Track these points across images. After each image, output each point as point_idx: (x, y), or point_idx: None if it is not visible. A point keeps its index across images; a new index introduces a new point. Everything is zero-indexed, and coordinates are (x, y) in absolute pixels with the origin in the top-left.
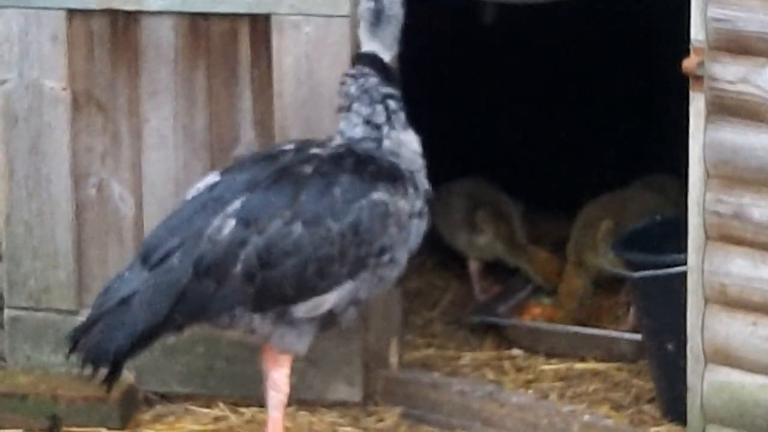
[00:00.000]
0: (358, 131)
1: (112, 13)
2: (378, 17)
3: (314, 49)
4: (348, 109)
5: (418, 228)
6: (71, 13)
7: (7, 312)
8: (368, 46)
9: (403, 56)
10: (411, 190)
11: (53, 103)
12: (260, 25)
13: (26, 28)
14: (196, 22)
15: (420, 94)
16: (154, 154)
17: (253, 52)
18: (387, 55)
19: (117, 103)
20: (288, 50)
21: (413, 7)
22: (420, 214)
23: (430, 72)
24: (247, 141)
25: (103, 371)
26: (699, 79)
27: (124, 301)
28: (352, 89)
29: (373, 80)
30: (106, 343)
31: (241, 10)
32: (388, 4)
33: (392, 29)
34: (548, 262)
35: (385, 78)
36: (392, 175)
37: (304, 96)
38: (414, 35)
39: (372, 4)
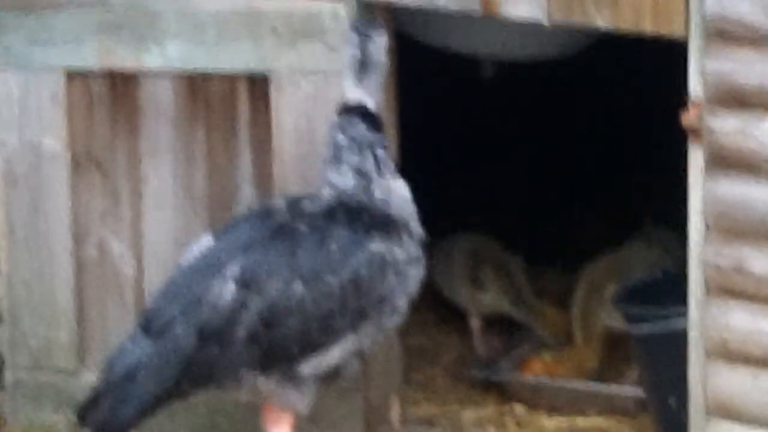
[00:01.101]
0: (349, 181)
1: (112, 74)
2: (363, 65)
3: (313, 106)
4: (338, 159)
5: (416, 274)
6: (71, 73)
7: (8, 373)
8: (353, 93)
9: (404, 111)
10: (405, 237)
11: (53, 162)
12: (259, 83)
13: (26, 89)
14: (194, 81)
15: (420, 149)
16: (154, 214)
17: (252, 110)
18: (372, 103)
19: (116, 162)
20: (287, 108)
21: (412, 61)
22: (416, 260)
23: (430, 127)
24: (246, 198)
25: None
26: (698, 132)
27: (130, 373)
28: (340, 138)
29: (361, 128)
30: (114, 418)
31: (240, 68)
32: (373, 51)
33: (377, 77)
34: (555, 318)
35: (372, 125)
36: (386, 224)
37: (303, 153)
38: (414, 90)
39: (357, 52)
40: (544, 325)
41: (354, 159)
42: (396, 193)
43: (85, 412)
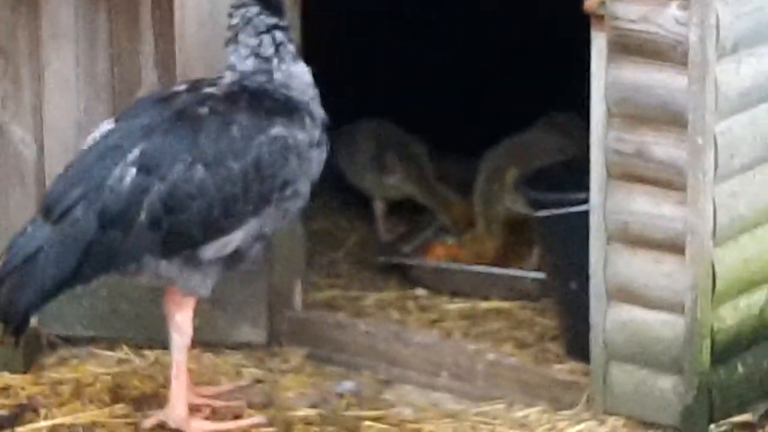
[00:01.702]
0: (249, 64)
1: None
2: None
3: None
4: (235, 41)
5: (318, 157)
6: None
7: None
8: None
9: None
10: (308, 121)
11: None
12: None
13: None
14: None
15: (324, 33)
16: (55, 98)
17: None
18: None
19: (18, 46)
20: None
21: None
22: (319, 144)
23: (336, 11)
24: (150, 83)
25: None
26: (601, 18)
27: (31, 258)
28: (236, 20)
29: (254, 10)
30: (16, 302)
31: None
32: None
33: None
34: (458, 206)
35: (269, 9)
36: (288, 109)
37: (206, 37)
38: None
39: None
40: (446, 209)
41: (251, 41)
42: (297, 77)
43: None
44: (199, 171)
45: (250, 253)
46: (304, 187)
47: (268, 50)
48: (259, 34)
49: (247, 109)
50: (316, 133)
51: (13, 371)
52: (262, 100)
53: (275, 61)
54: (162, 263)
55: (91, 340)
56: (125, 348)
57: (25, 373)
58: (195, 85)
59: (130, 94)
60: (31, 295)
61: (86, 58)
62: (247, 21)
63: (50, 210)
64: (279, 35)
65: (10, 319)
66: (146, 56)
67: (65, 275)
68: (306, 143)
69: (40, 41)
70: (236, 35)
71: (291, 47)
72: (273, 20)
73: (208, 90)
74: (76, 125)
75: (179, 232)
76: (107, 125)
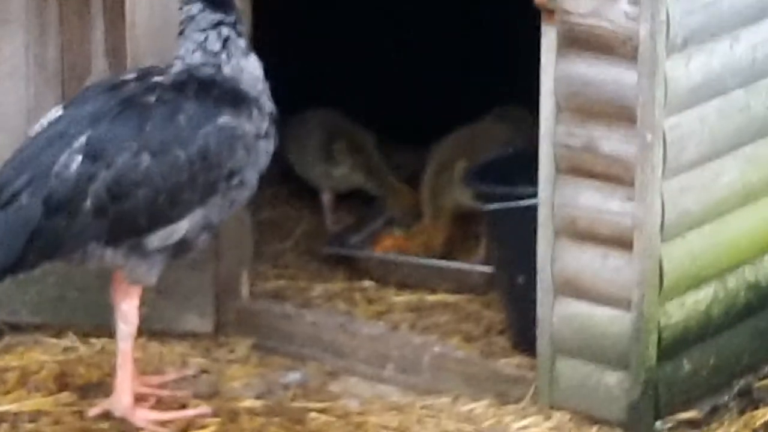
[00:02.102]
0: (197, 57)
1: None
2: None
3: None
4: (183, 35)
5: (266, 149)
6: None
7: None
8: None
9: None
10: (255, 112)
11: None
12: None
13: None
14: None
15: (272, 24)
16: (5, 84)
17: None
18: None
19: None
20: None
21: None
22: (266, 135)
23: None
24: (100, 71)
25: None
26: (551, 12)
27: None
28: (183, 16)
29: (198, 6)
30: None
31: None
32: None
33: None
34: (406, 195)
35: (213, 4)
36: (236, 99)
37: (157, 25)
38: None
39: None
40: (395, 200)
41: (197, 36)
42: (247, 70)
43: None
44: (145, 159)
45: (197, 242)
46: (252, 177)
47: (215, 45)
48: (204, 30)
49: (195, 99)
50: (264, 125)
51: None
52: (209, 90)
53: (223, 55)
54: (107, 251)
55: (38, 328)
56: (72, 335)
57: None
58: (143, 74)
59: (80, 82)
60: None
61: (36, 45)
62: (191, 17)
63: None
64: (225, 31)
65: None
66: (96, 44)
67: (10, 261)
68: (253, 134)
69: None
70: (183, 30)
71: (240, 42)
72: (218, 16)
73: (157, 79)
74: (25, 112)
75: (124, 219)
76: (55, 112)
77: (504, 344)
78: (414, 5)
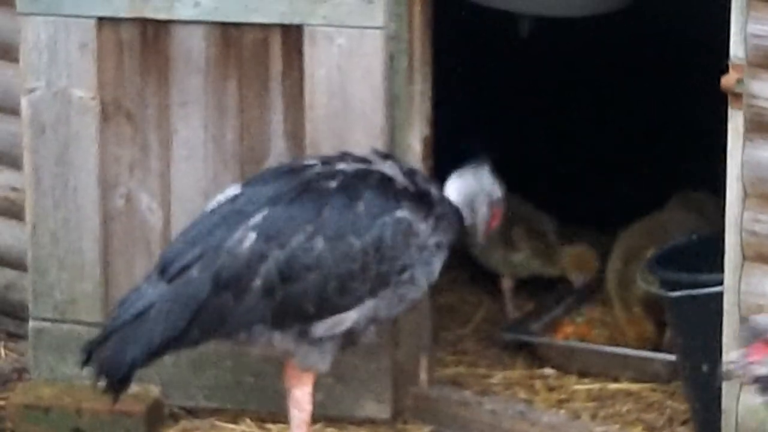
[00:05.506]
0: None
1: (142, 22)
2: None
3: (347, 61)
4: None
5: (439, 258)
6: (101, 21)
7: (31, 323)
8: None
9: (440, 68)
10: (432, 220)
11: (81, 112)
12: (293, 35)
13: (55, 36)
14: (227, 31)
15: (455, 106)
16: (183, 166)
17: (284, 63)
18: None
19: (146, 113)
20: (320, 62)
21: (449, 16)
22: (439, 246)
23: (465, 85)
24: (278, 153)
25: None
26: (738, 96)
27: (141, 314)
28: None
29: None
30: (121, 356)
31: (274, 20)
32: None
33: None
34: (582, 255)
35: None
36: (417, 196)
37: (335, 108)
38: (451, 48)
39: None
40: (571, 263)
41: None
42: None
43: (91, 349)
44: (319, 243)
45: (363, 335)
46: (422, 277)
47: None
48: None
49: (376, 189)
50: (439, 235)
51: None
52: (392, 183)
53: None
54: (275, 335)
55: (214, 412)
56: (248, 421)
57: None
58: (328, 160)
59: (258, 164)
60: (137, 351)
61: (214, 126)
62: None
63: (166, 268)
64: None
65: (112, 373)
66: (275, 126)
67: (174, 334)
68: (428, 234)
69: (168, 108)
70: None
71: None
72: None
73: (340, 166)
74: (202, 193)
75: (292, 303)
76: (233, 189)
77: None
78: (598, 88)
